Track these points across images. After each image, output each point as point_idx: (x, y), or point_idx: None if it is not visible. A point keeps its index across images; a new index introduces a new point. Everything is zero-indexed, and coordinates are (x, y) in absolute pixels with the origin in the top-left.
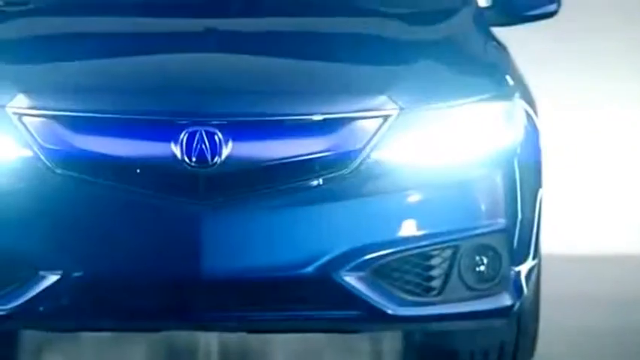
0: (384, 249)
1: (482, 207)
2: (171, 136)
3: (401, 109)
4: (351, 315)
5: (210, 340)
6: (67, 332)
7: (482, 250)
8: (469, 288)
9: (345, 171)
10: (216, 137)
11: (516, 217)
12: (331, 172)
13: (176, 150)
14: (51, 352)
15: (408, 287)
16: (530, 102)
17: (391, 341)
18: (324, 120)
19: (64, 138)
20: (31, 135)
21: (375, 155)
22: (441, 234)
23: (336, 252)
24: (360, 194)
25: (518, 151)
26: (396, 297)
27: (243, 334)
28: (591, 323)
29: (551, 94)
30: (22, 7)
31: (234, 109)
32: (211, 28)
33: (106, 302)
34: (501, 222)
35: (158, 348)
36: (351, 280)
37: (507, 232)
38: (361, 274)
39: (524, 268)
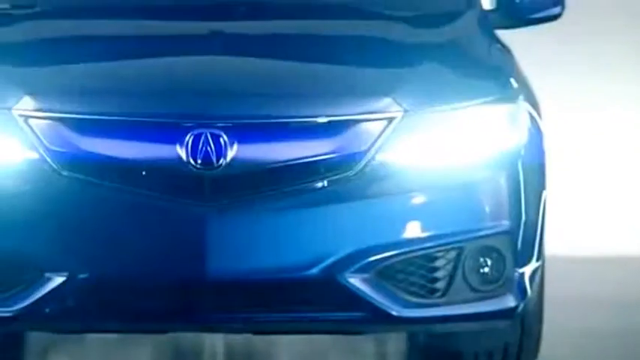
0: (389, 251)
1: (487, 209)
2: (176, 139)
3: (405, 111)
4: (356, 316)
5: (215, 342)
6: (72, 334)
7: (487, 251)
8: (473, 289)
9: (350, 173)
10: (221, 139)
11: (520, 218)
12: (336, 174)
13: (181, 152)
14: (57, 354)
15: (413, 289)
16: (534, 104)
17: (395, 342)
18: (329, 122)
19: (70, 140)
20: (37, 137)
21: (379, 157)
22: (446, 236)
23: (341, 254)
24: (365, 196)
25: (523, 153)
26: (400, 298)
27: (249, 336)
28: (594, 325)
29: (555, 96)
30: (29, 10)
31: (239, 111)
32: (216, 31)
33: (111, 304)
34: (505, 224)
35: (164, 349)
36: (355, 281)
37: (511, 233)
38: (366, 275)
39: (528, 270)
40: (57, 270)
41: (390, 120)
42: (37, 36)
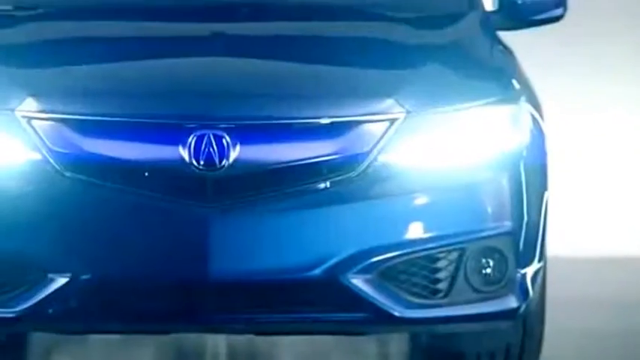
0: (391, 251)
1: (489, 210)
2: (179, 140)
3: (408, 112)
4: (358, 317)
5: (218, 342)
6: (75, 334)
7: (489, 252)
8: (475, 290)
9: (353, 174)
10: (223, 140)
11: (522, 219)
12: (338, 175)
13: (184, 153)
14: (60, 355)
15: (415, 289)
16: (536, 105)
17: (398, 343)
18: (332, 123)
19: (72, 141)
20: (40, 138)
21: (382, 158)
22: (448, 236)
23: (344, 254)
24: (367, 197)
25: (524, 154)
26: (402, 299)
27: (251, 336)
28: (596, 325)
29: (557, 97)
30: (32, 12)
31: (241, 112)
32: (219, 32)
33: (114, 305)
34: (507, 225)
35: (166, 350)
36: (358, 282)
37: (513, 234)
38: (368, 276)
39: (530, 271)
40: (60, 271)
41: (393, 121)
42: (39, 37)
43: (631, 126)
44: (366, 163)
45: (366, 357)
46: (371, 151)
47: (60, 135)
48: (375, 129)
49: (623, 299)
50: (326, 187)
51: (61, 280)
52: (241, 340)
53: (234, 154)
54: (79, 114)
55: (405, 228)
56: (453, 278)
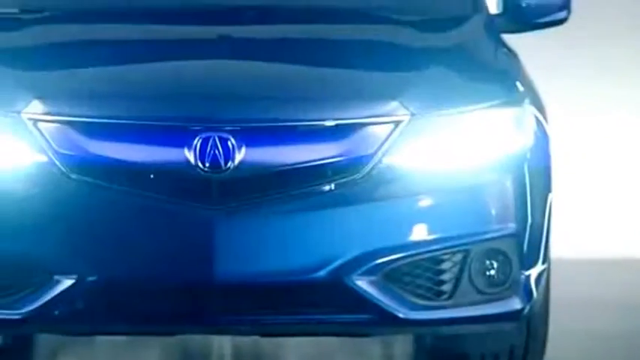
0: (396, 253)
1: (493, 212)
2: (184, 142)
3: (412, 114)
4: (363, 319)
5: (223, 344)
6: (81, 336)
7: (493, 254)
8: (479, 292)
9: (357, 176)
10: (229, 143)
11: (526, 221)
12: (343, 177)
13: (190, 155)
14: (66, 356)
15: (419, 291)
16: (540, 108)
17: (402, 345)
18: (337, 125)
19: (78, 143)
20: (46, 140)
21: (386, 160)
22: (452, 238)
23: (348, 256)
24: (372, 199)
25: (528, 156)
26: (407, 301)
27: (256, 338)
28: (600, 327)
29: (561, 100)
30: (38, 15)
31: (247, 115)
32: (224, 35)
33: (120, 306)
34: (511, 226)
35: (172, 351)
36: (362, 284)
37: (517, 236)
38: (373, 278)
39: (534, 272)
40: (66, 273)
41: (397, 123)
42: (45, 40)
43: (634, 128)
44: (370, 166)
45: (370, 358)
46: (375, 153)
47: (66, 137)
48: (379, 131)
49: (627, 301)
50: (331, 189)
51: (67, 282)
52: (247, 341)
53: (239, 156)
54: (85, 116)
55: (410, 230)
56: (458, 280)
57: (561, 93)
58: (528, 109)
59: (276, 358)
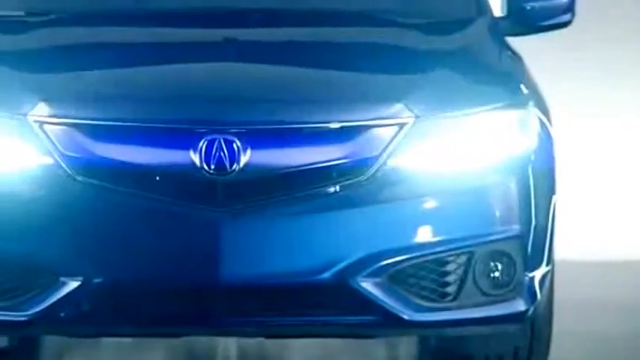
0: (400, 255)
1: (497, 213)
2: (190, 144)
3: (417, 117)
4: (368, 320)
5: (228, 345)
6: (87, 338)
7: (497, 256)
8: (484, 293)
9: (362, 178)
10: (234, 145)
11: (530, 223)
12: (348, 179)
13: (195, 158)
14: (71, 358)
15: (424, 293)
16: (545, 110)
17: (407, 346)
18: (342, 128)
19: (84, 146)
20: (52, 143)
21: (391, 162)
22: (456, 240)
23: (353, 258)
24: (377, 201)
25: (533, 158)
26: (411, 302)
27: (262, 339)
28: (603, 328)
29: (565, 102)
30: (44, 18)
31: (252, 117)
32: (230, 38)
33: (126, 308)
34: (516, 228)
35: (177, 353)
36: (367, 285)
37: (521, 238)
38: (377, 279)
39: (538, 274)
40: (72, 274)
41: (402, 125)
42: (51, 43)
43: (638, 130)
44: (375, 168)
45: (375, 359)
46: (380, 155)
47: (72, 139)
48: (384, 133)
49: (631, 302)
50: (336, 191)
51: (73, 284)
52: (252, 343)
53: (244, 158)
54: (90, 119)
55: (414, 232)
56: (462, 281)
57: (565, 95)
58: (532, 112)
59: None
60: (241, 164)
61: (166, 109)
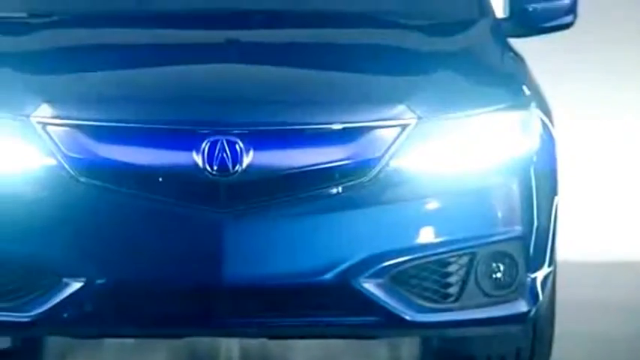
0: (403, 256)
1: (499, 214)
2: (193, 145)
3: (419, 118)
4: (370, 321)
5: (231, 346)
6: (90, 338)
7: (499, 257)
8: (486, 294)
9: (365, 179)
10: (237, 146)
11: (532, 224)
12: (350, 180)
13: (198, 159)
14: (74, 359)
15: (426, 294)
16: (547, 112)
17: (409, 347)
18: (344, 129)
19: (87, 147)
20: (55, 144)
21: (393, 163)
22: (458, 241)
23: (355, 259)
24: (379, 202)
25: (535, 159)
26: (414, 303)
27: (264, 340)
28: (604, 329)
29: (567, 104)
30: (46, 19)
31: (255, 118)
32: (232, 39)
33: (128, 309)
34: (518, 229)
35: (180, 354)
36: (369, 286)
37: (524, 239)
38: (380, 280)
39: (540, 275)
40: (75, 275)
41: (404, 127)
42: (54, 44)
43: None
44: (377, 169)
45: None
46: (383, 156)
47: (75, 141)
48: (386, 134)
49: (632, 303)
50: (338, 192)
51: (76, 285)
52: (254, 343)
53: (247, 159)
54: (93, 120)
55: (417, 233)
56: (464, 282)
57: (567, 97)
58: (535, 113)
59: None
60: (244, 165)
61: (169, 111)
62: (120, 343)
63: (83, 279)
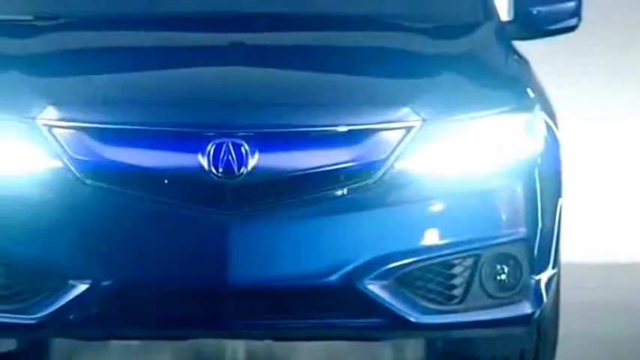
0: (407, 258)
1: (504, 216)
2: (198, 148)
3: (424, 120)
4: (375, 323)
5: (236, 348)
6: (96, 340)
7: (503, 258)
8: (490, 296)
9: (369, 181)
10: (242, 148)
11: (537, 226)
12: (355, 183)
13: (203, 161)
14: None
15: (431, 295)
16: (551, 114)
17: (414, 348)
18: (349, 131)
19: (93, 149)
20: (61, 146)
21: (398, 166)
22: (463, 243)
23: (360, 261)
24: (384, 204)
25: (539, 161)
26: (418, 305)
27: (270, 342)
28: (607, 330)
29: (571, 106)
30: (52, 22)
31: (260, 120)
32: (238, 42)
33: (134, 311)
34: (522, 231)
35: (185, 356)
36: (374, 288)
37: (528, 241)
38: (385, 282)
39: (544, 277)
40: (80, 277)
41: (409, 129)
42: (60, 47)
43: None
44: (382, 171)
45: None
46: (387, 158)
47: (80, 143)
48: (391, 137)
49: (635, 304)
50: (343, 194)
51: (82, 287)
52: (260, 345)
53: (252, 161)
54: (99, 122)
55: (421, 235)
56: (469, 284)
57: (572, 99)
58: (539, 115)
59: None
60: (249, 167)
61: (175, 113)
62: (125, 345)
63: (89, 281)
